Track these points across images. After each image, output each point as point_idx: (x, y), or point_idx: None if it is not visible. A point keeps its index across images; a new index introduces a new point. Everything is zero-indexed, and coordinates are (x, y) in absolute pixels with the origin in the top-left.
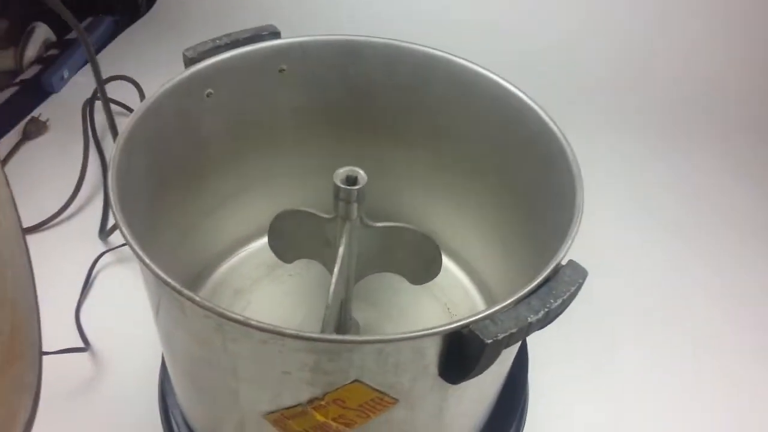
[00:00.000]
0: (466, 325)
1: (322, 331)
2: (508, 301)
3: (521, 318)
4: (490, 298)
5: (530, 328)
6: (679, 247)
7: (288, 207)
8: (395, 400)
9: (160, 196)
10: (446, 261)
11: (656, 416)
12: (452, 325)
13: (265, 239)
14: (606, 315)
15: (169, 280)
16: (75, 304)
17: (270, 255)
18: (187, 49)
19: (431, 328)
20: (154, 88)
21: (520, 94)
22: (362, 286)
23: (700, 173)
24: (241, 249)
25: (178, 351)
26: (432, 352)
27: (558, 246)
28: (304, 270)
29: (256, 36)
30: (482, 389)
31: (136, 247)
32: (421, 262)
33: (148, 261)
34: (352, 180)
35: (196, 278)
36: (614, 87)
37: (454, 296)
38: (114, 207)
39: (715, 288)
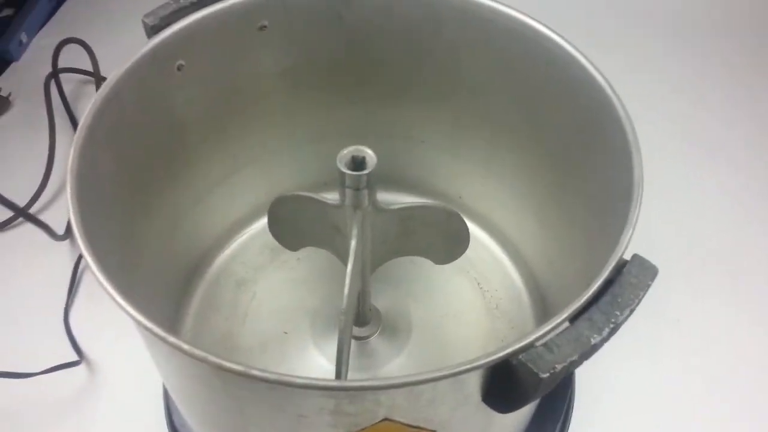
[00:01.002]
0: (515, 354)
1: (340, 341)
2: (563, 316)
3: (582, 339)
4: (525, 268)
5: (593, 351)
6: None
7: (286, 185)
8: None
9: (137, 191)
10: (473, 228)
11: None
12: (498, 356)
13: (263, 220)
14: (671, 298)
15: (151, 325)
16: (62, 311)
17: (271, 238)
18: (147, 15)
19: (473, 361)
20: (116, 57)
21: (553, 35)
22: None
23: None
24: (239, 234)
25: (175, 385)
26: (474, 383)
27: (612, 230)
28: (312, 251)
29: None
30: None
31: (108, 286)
32: (446, 241)
33: (124, 304)
34: (359, 162)
35: (193, 270)
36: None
37: (485, 269)
38: (77, 230)
39: None
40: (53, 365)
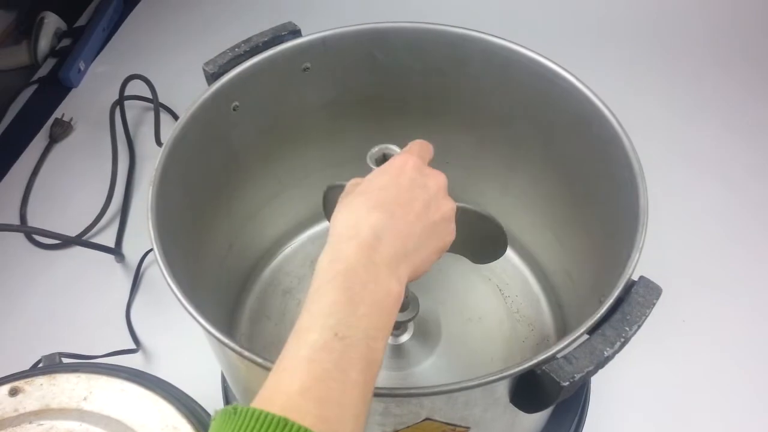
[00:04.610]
0: (539, 365)
1: None
2: (580, 332)
3: (597, 353)
4: (542, 277)
5: (606, 361)
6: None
7: None
8: (466, 428)
9: (199, 215)
10: None
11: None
12: (524, 366)
13: (305, 234)
14: (679, 302)
15: (231, 343)
16: (125, 305)
17: (312, 250)
18: (207, 64)
19: (503, 371)
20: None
21: (564, 73)
22: None
23: None
24: (284, 247)
25: (237, 381)
26: (503, 389)
27: (623, 250)
28: None
29: (276, 38)
30: None
31: (190, 308)
32: (482, 242)
33: (208, 326)
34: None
35: (244, 283)
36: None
37: (505, 276)
38: (158, 255)
39: None
40: (114, 350)
